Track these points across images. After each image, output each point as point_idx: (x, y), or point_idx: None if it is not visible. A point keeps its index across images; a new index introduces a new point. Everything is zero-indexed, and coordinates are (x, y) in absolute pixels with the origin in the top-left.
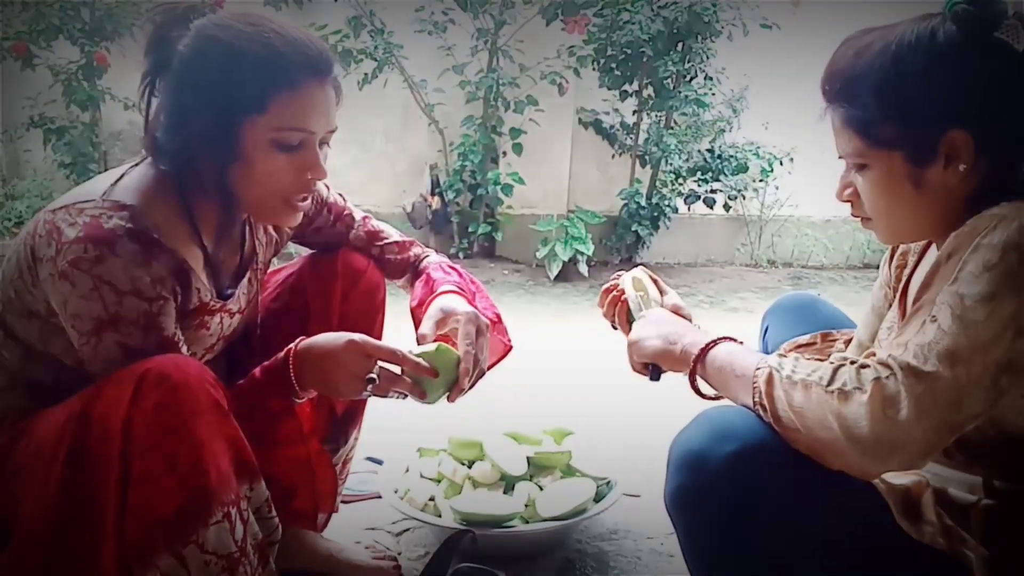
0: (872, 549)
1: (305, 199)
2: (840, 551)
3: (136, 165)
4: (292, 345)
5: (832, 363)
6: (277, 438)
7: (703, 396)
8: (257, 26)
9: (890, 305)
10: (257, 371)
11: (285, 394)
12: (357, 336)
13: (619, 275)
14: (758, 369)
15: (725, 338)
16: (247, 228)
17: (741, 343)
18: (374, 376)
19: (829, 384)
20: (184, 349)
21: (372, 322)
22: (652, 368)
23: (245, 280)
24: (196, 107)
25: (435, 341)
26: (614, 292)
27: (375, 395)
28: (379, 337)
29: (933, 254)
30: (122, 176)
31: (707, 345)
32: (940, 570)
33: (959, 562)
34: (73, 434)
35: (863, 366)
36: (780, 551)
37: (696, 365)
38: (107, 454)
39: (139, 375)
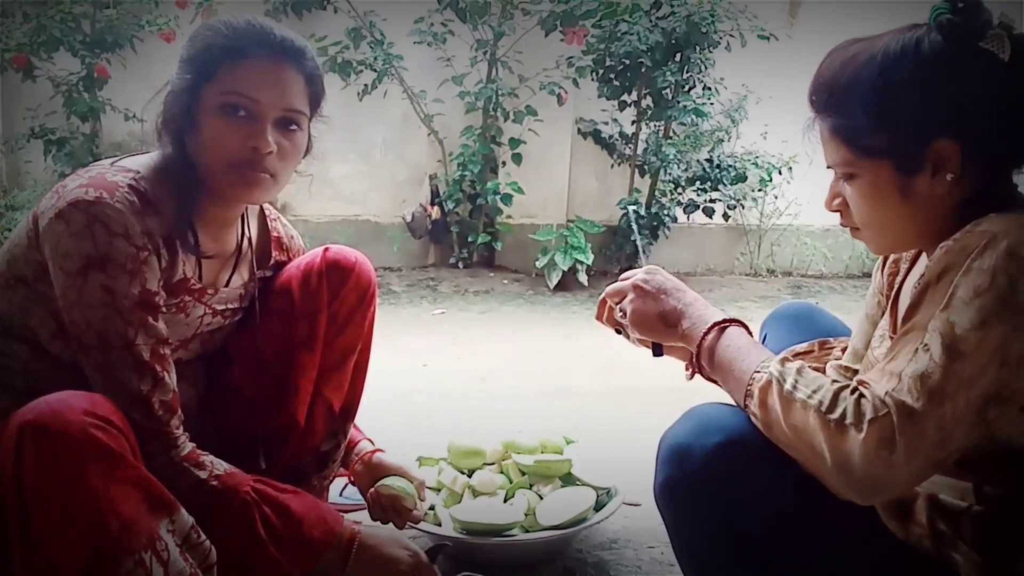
0: (855, 545)
1: (257, 174)
2: (824, 545)
3: (141, 154)
4: (353, 530)
5: (834, 384)
6: (248, 558)
7: (708, 379)
8: (237, 22)
9: (883, 312)
10: (302, 511)
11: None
12: (419, 551)
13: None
14: (756, 373)
15: (726, 322)
16: (252, 259)
17: (743, 325)
18: None
19: (828, 412)
20: (161, 322)
21: (363, 320)
22: (654, 344)
23: (235, 290)
24: (173, 89)
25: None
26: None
27: None
28: (369, 337)
29: (924, 261)
30: (129, 156)
31: (706, 332)
32: (923, 570)
33: (944, 565)
34: None
35: (861, 395)
36: (764, 542)
37: (698, 354)
38: (8, 511)
39: (19, 428)
